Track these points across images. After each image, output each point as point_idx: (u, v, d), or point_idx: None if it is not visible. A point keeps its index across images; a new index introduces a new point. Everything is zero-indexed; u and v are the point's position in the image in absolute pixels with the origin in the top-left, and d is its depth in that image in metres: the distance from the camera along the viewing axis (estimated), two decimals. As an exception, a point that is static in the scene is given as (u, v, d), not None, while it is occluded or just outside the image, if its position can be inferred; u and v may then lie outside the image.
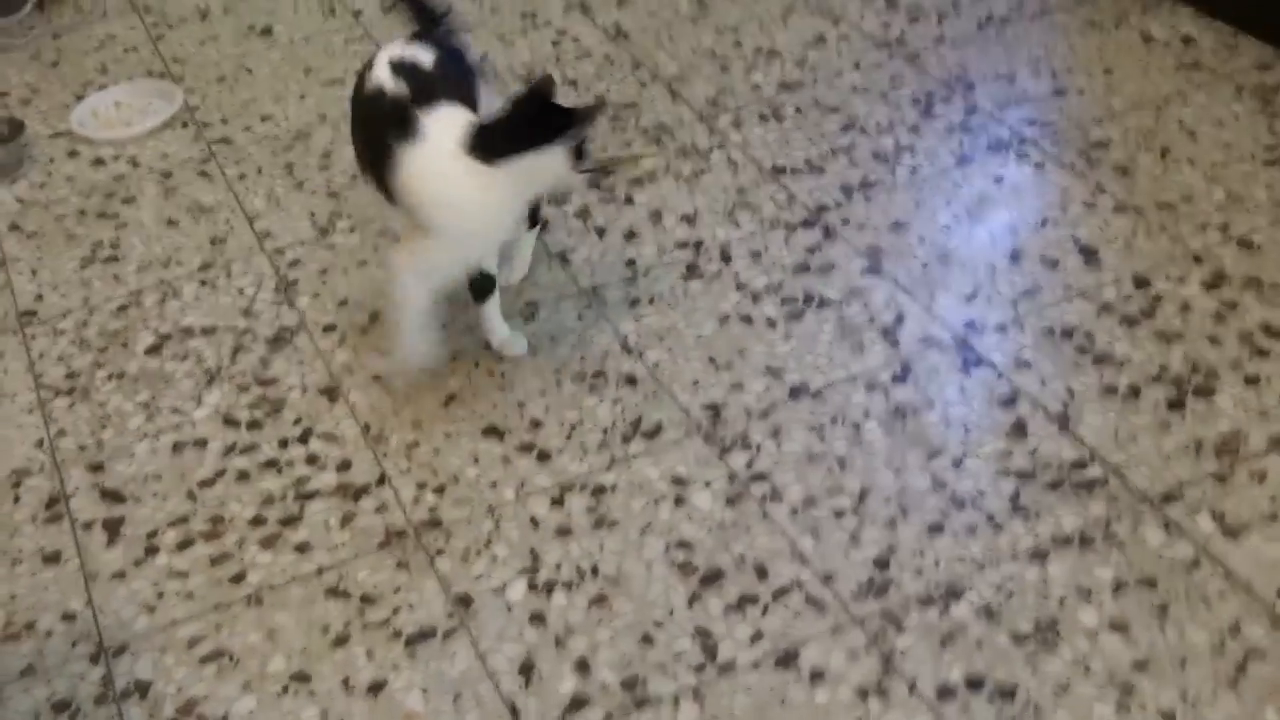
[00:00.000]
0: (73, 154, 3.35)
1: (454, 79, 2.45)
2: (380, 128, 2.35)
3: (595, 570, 2.18)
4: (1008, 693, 1.95)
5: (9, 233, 3.08)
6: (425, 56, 2.43)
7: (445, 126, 2.30)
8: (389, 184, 2.35)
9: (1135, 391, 2.37)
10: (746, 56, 3.38)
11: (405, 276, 2.41)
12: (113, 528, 2.36)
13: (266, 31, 3.78)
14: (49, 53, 3.80)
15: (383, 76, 2.38)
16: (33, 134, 3.41)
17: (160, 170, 3.24)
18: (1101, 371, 2.41)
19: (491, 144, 2.26)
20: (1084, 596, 2.05)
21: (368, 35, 3.68)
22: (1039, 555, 2.12)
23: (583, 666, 2.04)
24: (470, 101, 2.43)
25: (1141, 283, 2.58)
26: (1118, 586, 2.06)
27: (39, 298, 2.87)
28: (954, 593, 2.08)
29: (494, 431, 2.44)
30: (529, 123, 2.26)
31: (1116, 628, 2.00)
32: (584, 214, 2.90)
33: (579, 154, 2.28)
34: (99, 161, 3.31)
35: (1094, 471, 2.24)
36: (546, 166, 2.28)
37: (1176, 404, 2.34)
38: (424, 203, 2.32)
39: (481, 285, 2.53)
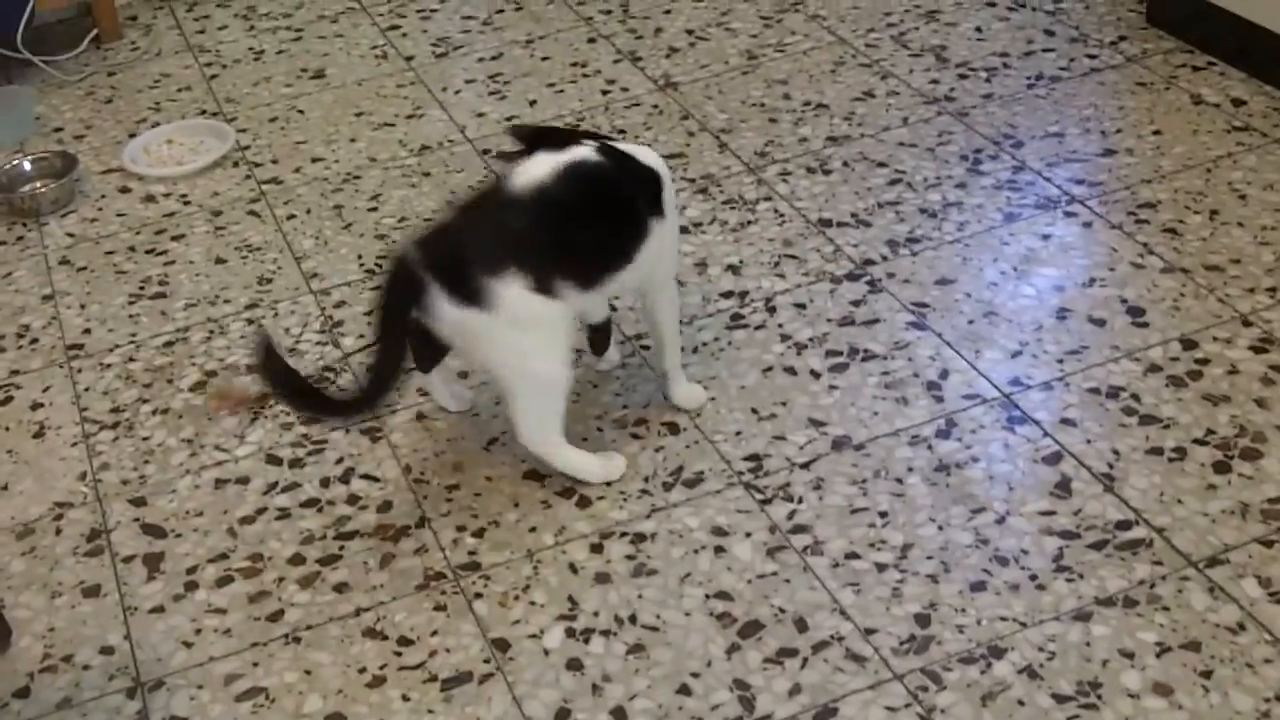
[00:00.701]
0: (124, 190, 3.37)
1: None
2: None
3: (634, 618, 2.17)
4: (1047, 753, 1.93)
5: (59, 267, 3.10)
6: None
7: None
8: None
9: (1181, 453, 2.36)
10: (795, 109, 3.38)
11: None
12: (153, 563, 2.36)
13: (319, 75, 3.80)
14: (103, 90, 3.83)
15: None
16: (85, 169, 3.44)
17: (210, 209, 3.26)
18: (1147, 432, 2.40)
19: None
20: (1127, 659, 2.03)
21: (419, 80, 3.70)
22: (1082, 616, 2.10)
23: (619, 715, 2.03)
24: None
25: (1189, 344, 2.57)
26: (1161, 649, 2.04)
27: (87, 331, 2.89)
28: (996, 651, 2.06)
29: (534, 476, 2.44)
30: None
31: (1160, 691, 1.99)
32: (630, 262, 2.90)
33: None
34: (150, 198, 3.33)
35: (1139, 533, 2.22)
36: None
37: (1223, 467, 2.32)
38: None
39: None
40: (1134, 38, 3.53)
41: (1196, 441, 2.37)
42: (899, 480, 2.36)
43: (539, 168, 2.29)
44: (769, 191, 3.09)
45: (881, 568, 2.21)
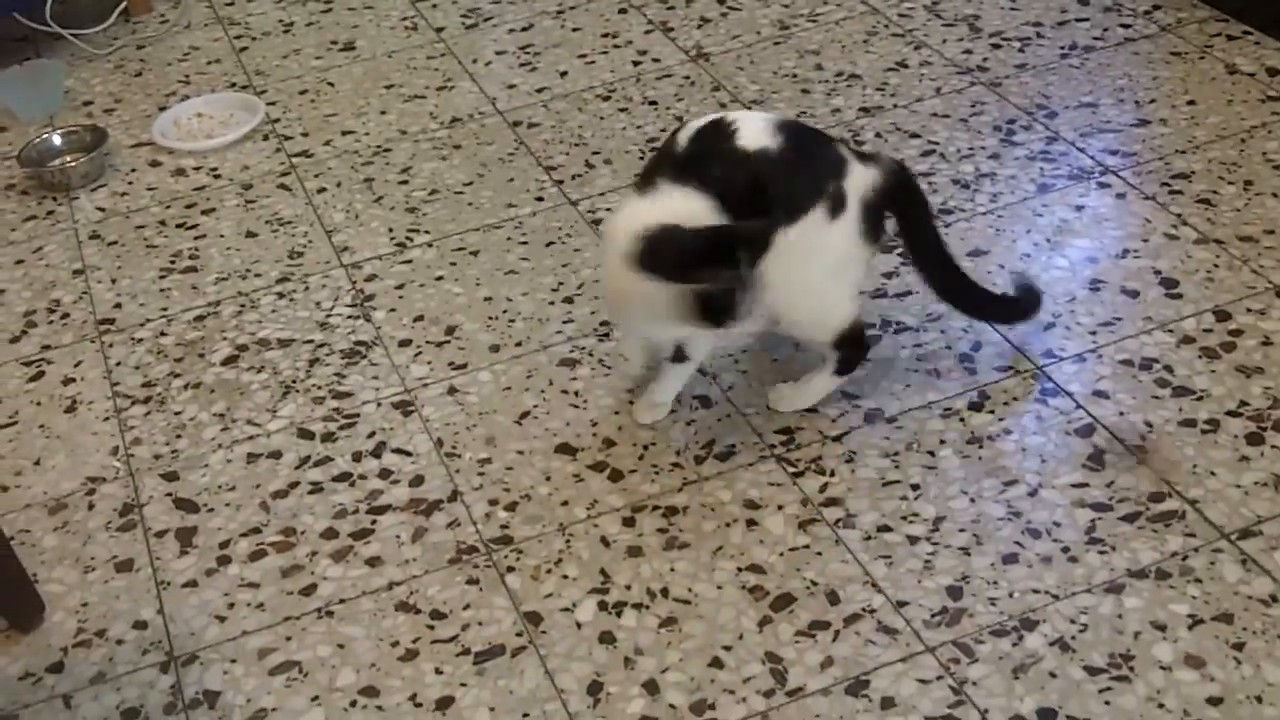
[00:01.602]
0: (154, 164, 3.38)
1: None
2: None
3: (666, 591, 2.17)
4: (1080, 727, 1.93)
5: (89, 241, 3.11)
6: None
7: None
8: None
9: (1214, 425, 2.34)
10: (828, 80, 3.37)
11: None
12: (185, 537, 2.37)
13: (349, 47, 3.80)
14: (133, 63, 3.83)
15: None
16: (115, 143, 3.45)
17: (241, 182, 3.27)
18: (1180, 404, 2.39)
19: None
20: (1159, 631, 2.03)
21: (450, 52, 3.70)
22: (1114, 588, 2.09)
23: (651, 688, 2.03)
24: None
25: (1222, 316, 2.55)
26: (1194, 622, 2.03)
27: (117, 306, 2.90)
28: (1028, 623, 2.05)
29: (567, 450, 2.44)
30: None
31: (1192, 663, 1.98)
32: (661, 234, 2.89)
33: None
34: (180, 172, 3.33)
35: (1171, 505, 2.21)
36: None
37: (1256, 439, 2.31)
38: None
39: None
40: (1168, 6, 3.51)
41: (1229, 413, 2.36)
42: (931, 453, 2.35)
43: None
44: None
45: (913, 540, 2.21)
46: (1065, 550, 2.16)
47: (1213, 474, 2.26)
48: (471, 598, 2.20)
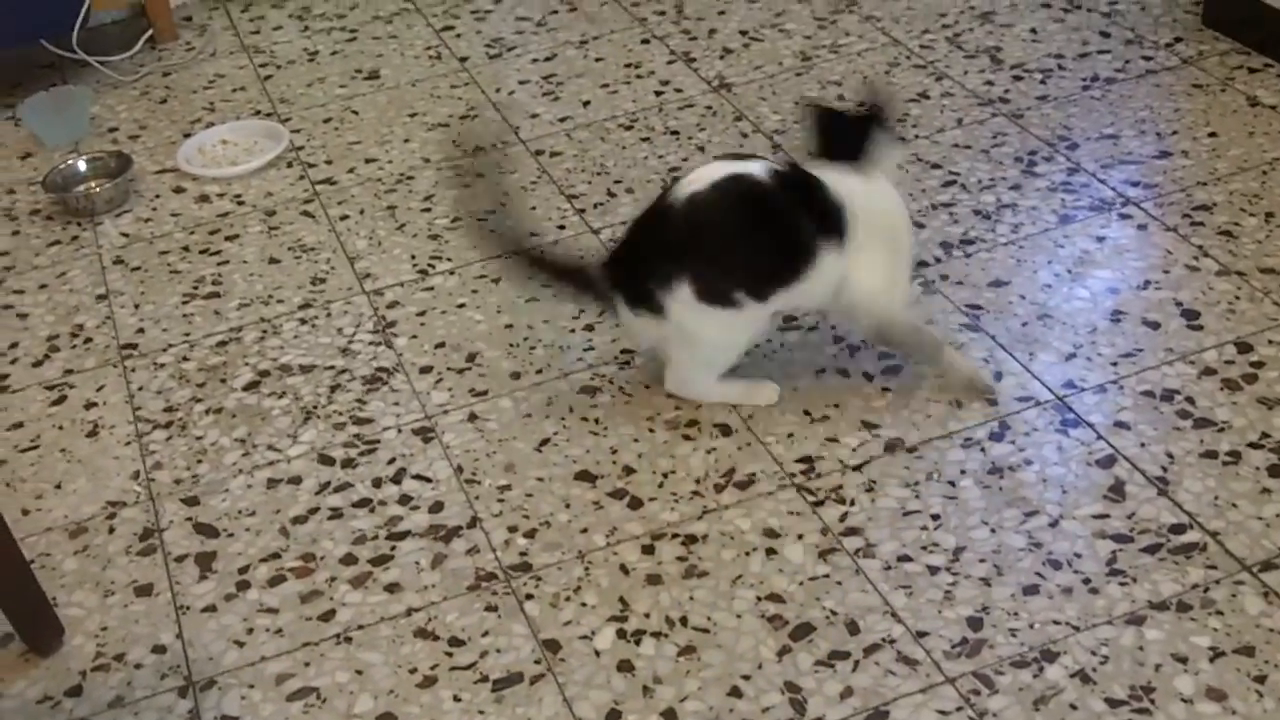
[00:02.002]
0: (178, 190, 3.39)
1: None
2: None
3: (685, 620, 2.17)
4: (1100, 758, 1.92)
5: (113, 266, 3.12)
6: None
7: None
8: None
9: (1236, 457, 2.34)
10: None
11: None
12: (205, 562, 2.37)
13: (374, 75, 3.81)
14: (158, 90, 3.85)
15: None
16: (139, 169, 3.46)
17: (264, 209, 3.28)
18: (1202, 436, 2.38)
19: None
20: (1180, 663, 2.02)
21: (473, 81, 3.71)
22: (1135, 620, 2.09)
23: (670, 716, 2.03)
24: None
25: (1244, 347, 2.55)
26: (1215, 654, 2.03)
27: (140, 331, 2.91)
28: (1048, 655, 2.05)
29: (586, 477, 2.44)
30: None
31: (1213, 696, 1.97)
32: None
33: None
34: (204, 198, 3.34)
35: (1192, 537, 2.21)
36: None
37: (1278, 470, 2.30)
38: None
39: None
40: (1190, 39, 3.51)
41: (1251, 445, 2.36)
42: (952, 483, 2.35)
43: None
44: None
45: (934, 570, 2.20)
46: (1086, 581, 2.15)
47: (1234, 506, 2.25)
48: (490, 625, 2.20)
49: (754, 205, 2.40)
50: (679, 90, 3.57)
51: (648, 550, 2.29)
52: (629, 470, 2.44)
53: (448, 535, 2.36)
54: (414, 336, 2.80)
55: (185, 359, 2.82)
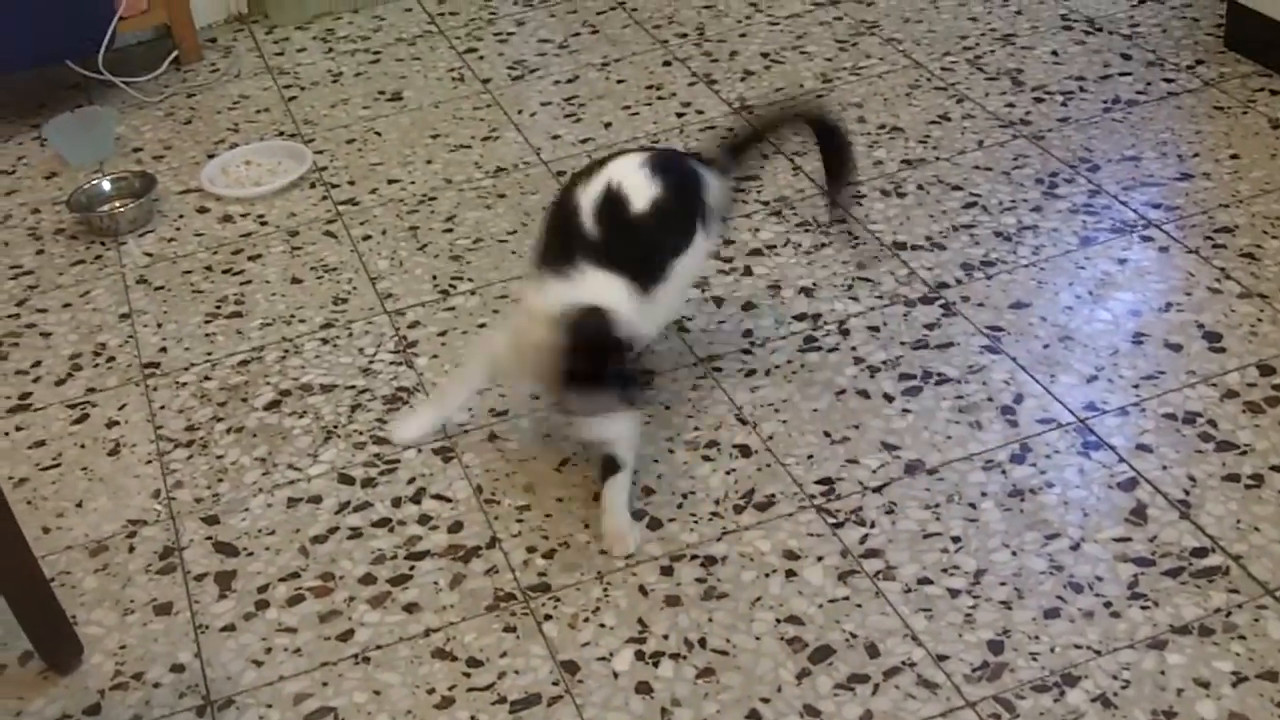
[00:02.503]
0: (202, 210, 3.40)
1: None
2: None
3: (704, 642, 2.16)
4: (1121, 783, 1.91)
5: (136, 285, 3.13)
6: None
7: None
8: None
9: (1259, 480, 2.33)
10: (870, 132, 3.38)
11: None
12: (224, 581, 2.37)
13: (397, 97, 3.82)
14: (183, 111, 3.87)
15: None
16: (163, 189, 3.47)
17: (287, 229, 3.29)
18: (1224, 459, 2.37)
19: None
20: (1203, 688, 2.01)
21: (496, 103, 3.72)
22: (1157, 644, 2.08)
23: (688, 738, 2.03)
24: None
25: (1266, 370, 2.54)
26: (1238, 679, 2.02)
27: (163, 350, 2.91)
28: (1069, 679, 2.04)
29: (606, 498, 2.44)
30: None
31: (1235, 721, 1.97)
32: (702, 284, 2.90)
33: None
34: (227, 218, 3.35)
35: (1215, 560, 2.20)
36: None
37: (1301, 495, 2.30)
38: None
39: None
40: (1211, 61, 3.50)
41: (1274, 468, 2.35)
42: (972, 505, 2.34)
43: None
44: (843, 214, 3.08)
45: (954, 593, 2.20)
46: (1108, 605, 2.14)
47: (1257, 529, 2.24)
48: (508, 645, 2.20)
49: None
50: (700, 112, 3.57)
51: (666, 571, 2.29)
52: (648, 490, 2.44)
53: (467, 555, 2.36)
54: (435, 356, 2.81)
55: (207, 378, 2.82)
